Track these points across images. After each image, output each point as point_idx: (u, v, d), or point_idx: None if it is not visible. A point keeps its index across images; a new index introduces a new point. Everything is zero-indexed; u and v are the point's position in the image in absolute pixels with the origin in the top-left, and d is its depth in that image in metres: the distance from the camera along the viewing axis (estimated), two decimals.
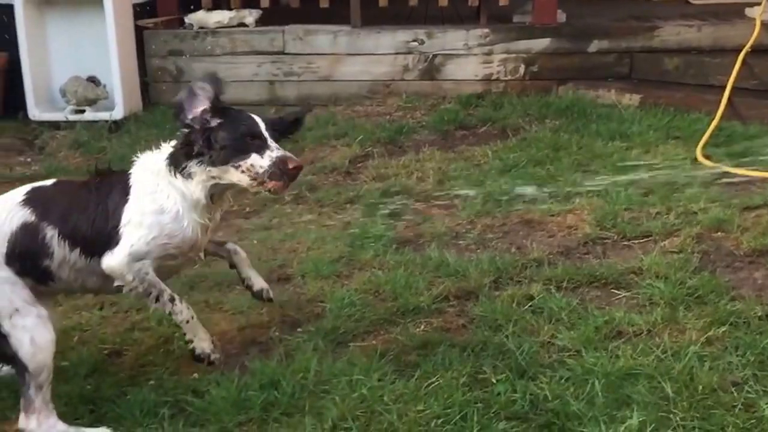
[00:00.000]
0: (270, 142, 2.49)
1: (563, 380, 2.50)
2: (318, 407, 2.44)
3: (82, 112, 5.72)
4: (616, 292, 3.13)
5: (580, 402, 2.37)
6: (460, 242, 3.76)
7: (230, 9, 6.43)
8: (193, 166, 2.49)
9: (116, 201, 2.51)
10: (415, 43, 6.25)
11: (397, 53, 6.25)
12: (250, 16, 6.36)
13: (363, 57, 6.24)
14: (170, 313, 2.58)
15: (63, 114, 5.72)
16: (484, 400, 2.43)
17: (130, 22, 5.95)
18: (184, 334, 2.64)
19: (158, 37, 6.26)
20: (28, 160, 5.29)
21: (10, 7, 5.64)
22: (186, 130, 2.52)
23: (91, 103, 5.75)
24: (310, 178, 4.75)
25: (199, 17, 6.29)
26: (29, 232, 2.44)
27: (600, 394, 2.40)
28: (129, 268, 2.46)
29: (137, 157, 2.65)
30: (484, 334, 2.82)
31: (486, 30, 6.27)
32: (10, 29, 5.66)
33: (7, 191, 2.61)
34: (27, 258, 2.43)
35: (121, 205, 2.49)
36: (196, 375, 2.66)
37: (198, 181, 2.51)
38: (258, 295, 2.88)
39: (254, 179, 2.47)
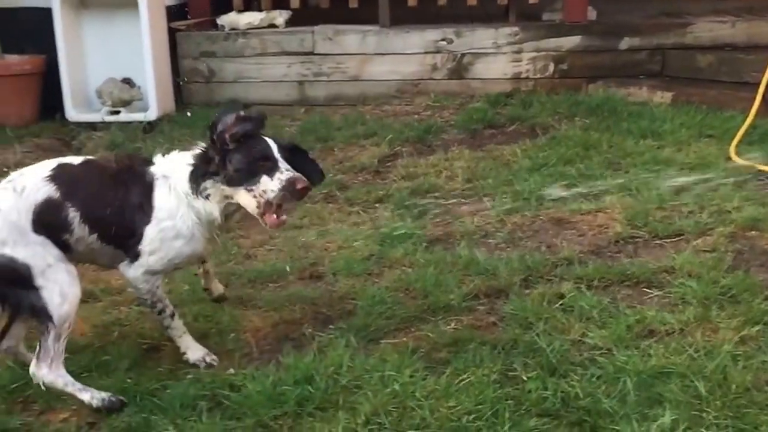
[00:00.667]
0: (281, 163, 2.60)
1: (594, 378, 2.51)
2: (351, 402, 2.48)
3: (118, 113, 5.83)
4: (648, 291, 3.13)
5: (612, 400, 2.38)
6: (490, 241, 3.77)
7: (261, 10, 6.51)
8: (209, 186, 2.64)
9: (140, 214, 2.65)
10: (444, 42, 6.27)
11: (425, 52, 6.27)
12: (280, 17, 6.43)
13: (391, 57, 6.28)
14: (167, 327, 2.81)
15: (99, 115, 5.84)
16: (515, 397, 2.45)
17: (163, 24, 6.05)
18: (179, 347, 2.83)
19: (191, 38, 6.37)
20: None
21: (48, 11, 5.77)
22: (207, 146, 2.66)
23: (126, 104, 5.86)
24: (340, 178, 4.80)
25: (230, 19, 6.37)
26: (52, 207, 2.59)
27: (632, 392, 2.41)
28: (144, 281, 2.70)
29: (154, 169, 2.73)
30: (515, 332, 2.84)
31: (515, 28, 6.27)
32: (48, 32, 5.79)
33: None
34: (49, 230, 2.60)
35: (143, 221, 2.66)
36: (232, 370, 2.72)
37: (215, 201, 2.66)
38: (216, 300, 3.09)
39: (258, 206, 2.60)
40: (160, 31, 5.96)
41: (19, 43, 6.01)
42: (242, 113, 2.63)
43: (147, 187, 2.68)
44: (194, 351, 2.81)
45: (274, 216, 2.62)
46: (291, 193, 2.58)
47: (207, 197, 2.65)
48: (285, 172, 2.59)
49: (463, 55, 6.26)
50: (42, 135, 5.78)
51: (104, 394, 2.55)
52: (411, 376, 2.55)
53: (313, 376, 2.57)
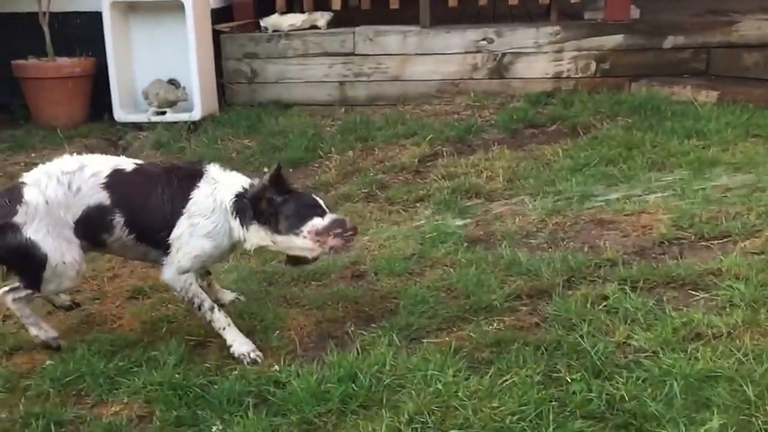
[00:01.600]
0: (327, 210, 2.85)
1: (640, 381, 2.49)
2: (394, 401, 2.50)
3: (164, 113, 5.94)
4: (694, 293, 3.09)
5: (658, 403, 2.36)
6: (532, 241, 3.76)
7: (303, 12, 6.57)
8: (257, 227, 2.82)
9: (174, 207, 2.83)
10: (485, 42, 6.25)
11: (466, 52, 6.26)
12: (322, 18, 6.48)
13: (432, 57, 6.28)
14: (209, 321, 2.91)
15: (146, 115, 5.96)
16: (559, 398, 2.44)
17: (208, 26, 6.15)
18: (225, 339, 2.90)
19: (234, 40, 6.45)
20: None
21: (98, 15, 5.91)
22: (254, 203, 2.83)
23: (172, 104, 5.96)
24: (381, 177, 4.83)
25: (273, 21, 6.45)
26: (101, 212, 2.84)
27: (678, 395, 2.39)
28: (177, 280, 2.87)
29: (211, 166, 2.93)
30: (558, 333, 2.83)
31: (557, 27, 6.22)
32: (98, 36, 5.93)
33: None
34: (91, 229, 2.86)
35: (176, 214, 2.83)
36: (276, 367, 2.76)
37: (254, 235, 2.83)
38: (231, 303, 3.24)
39: (316, 241, 2.77)
40: (205, 34, 6.06)
41: (70, 46, 6.17)
42: (266, 181, 2.79)
43: (190, 182, 2.85)
44: (240, 344, 2.86)
45: (338, 239, 2.78)
46: (341, 229, 2.77)
47: (247, 227, 2.82)
48: (335, 214, 2.85)
49: (503, 54, 6.23)
50: (90, 135, 5.92)
51: (50, 335, 2.91)
52: (454, 376, 2.57)
53: (356, 374, 2.60)
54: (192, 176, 2.87)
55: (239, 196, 2.83)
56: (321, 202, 2.87)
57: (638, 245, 3.56)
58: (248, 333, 2.97)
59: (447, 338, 2.89)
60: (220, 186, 2.85)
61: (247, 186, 2.86)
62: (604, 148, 4.89)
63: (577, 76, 6.19)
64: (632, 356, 2.66)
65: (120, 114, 5.99)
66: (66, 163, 2.87)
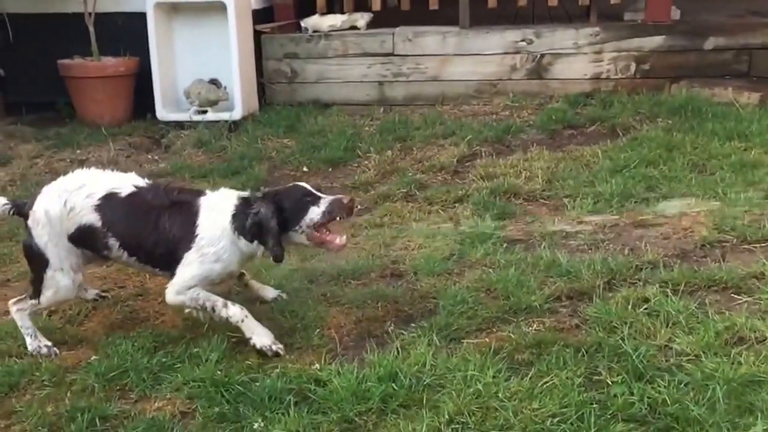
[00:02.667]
0: (320, 194, 2.91)
1: (682, 385, 2.47)
2: (434, 401, 2.51)
3: (205, 112, 6.02)
4: (737, 297, 3.05)
5: (701, 407, 2.35)
6: (571, 242, 3.74)
7: (343, 13, 6.62)
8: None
9: (181, 238, 2.90)
10: (524, 43, 6.23)
11: (505, 53, 6.25)
12: (361, 19, 6.52)
13: (471, 57, 6.28)
14: (227, 318, 2.93)
15: (187, 114, 6.04)
16: (600, 401, 2.44)
17: (249, 27, 6.22)
18: (243, 333, 2.93)
19: (275, 40, 6.52)
20: (156, 157, 5.64)
21: (141, 15, 6.03)
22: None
23: (213, 104, 6.04)
24: (419, 177, 4.84)
25: (313, 21, 6.50)
26: (94, 234, 2.97)
27: (721, 400, 2.37)
28: (183, 294, 2.93)
29: (203, 197, 3.00)
30: (599, 336, 2.82)
31: (596, 28, 6.17)
32: (141, 36, 6.04)
33: None
34: (88, 245, 3.01)
35: (184, 246, 2.90)
36: (317, 366, 2.79)
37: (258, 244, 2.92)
38: (273, 300, 3.27)
39: (311, 239, 2.88)
40: (246, 34, 6.13)
41: (114, 45, 6.29)
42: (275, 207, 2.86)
43: (192, 216, 2.91)
44: (260, 336, 2.88)
45: (336, 239, 2.87)
46: (338, 208, 2.83)
47: (252, 240, 2.87)
48: (327, 197, 2.90)
49: (542, 55, 6.20)
50: (134, 134, 6.02)
51: (42, 344, 3.02)
52: (494, 377, 2.58)
53: (396, 374, 2.62)
54: (192, 207, 2.93)
55: (234, 216, 2.88)
56: (309, 187, 2.92)
57: (679, 248, 3.53)
58: (291, 330, 3.02)
59: (487, 339, 2.90)
60: (217, 212, 2.90)
61: (237, 201, 2.91)
62: (644, 149, 4.85)
63: (616, 77, 6.13)
64: (674, 360, 2.64)
65: (162, 113, 6.09)
66: (71, 180, 3.02)
